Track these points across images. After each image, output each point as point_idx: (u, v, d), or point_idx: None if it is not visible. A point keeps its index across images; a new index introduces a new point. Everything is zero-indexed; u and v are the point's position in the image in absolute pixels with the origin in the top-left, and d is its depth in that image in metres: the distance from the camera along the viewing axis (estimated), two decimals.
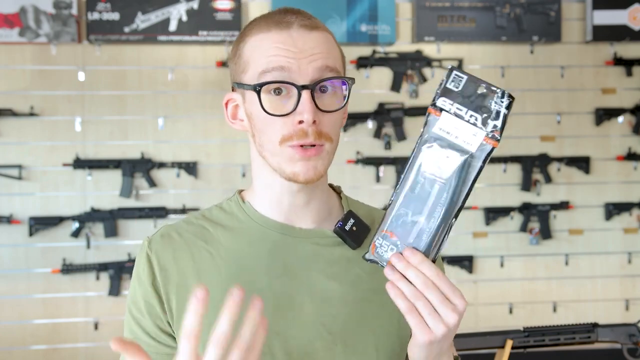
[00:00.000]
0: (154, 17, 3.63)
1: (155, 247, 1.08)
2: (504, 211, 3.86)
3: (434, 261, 0.93)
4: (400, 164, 3.76)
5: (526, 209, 3.87)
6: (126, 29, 3.61)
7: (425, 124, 0.93)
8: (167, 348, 1.05)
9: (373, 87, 3.82)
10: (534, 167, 3.87)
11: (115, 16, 3.59)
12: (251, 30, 1.05)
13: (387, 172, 3.79)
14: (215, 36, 3.65)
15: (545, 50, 3.94)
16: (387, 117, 3.76)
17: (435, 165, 0.92)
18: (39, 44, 3.59)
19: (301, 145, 1.00)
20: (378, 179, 3.78)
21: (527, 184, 3.87)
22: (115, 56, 3.66)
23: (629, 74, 3.95)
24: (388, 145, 3.78)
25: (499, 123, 0.90)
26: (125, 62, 3.67)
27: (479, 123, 0.91)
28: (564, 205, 3.90)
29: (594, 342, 2.08)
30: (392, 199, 0.94)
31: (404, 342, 1.11)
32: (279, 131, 1.01)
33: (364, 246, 1.10)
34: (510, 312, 3.88)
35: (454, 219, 0.92)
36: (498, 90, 0.90)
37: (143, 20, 3.62)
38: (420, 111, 3.80)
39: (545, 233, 3.87)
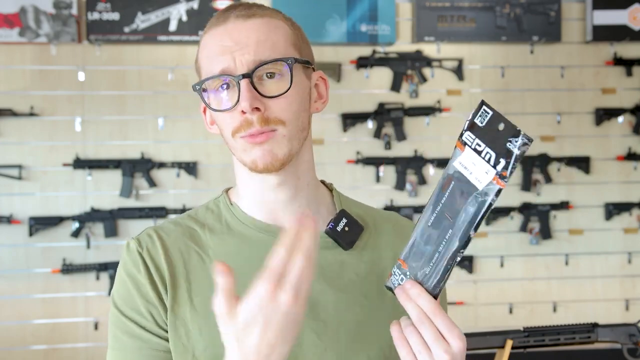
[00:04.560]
0: (154, 17, 3.63)
1: (146, 246, 1.05)
2: (504, 211, 3.86)
3: (436, 297, 0.92)
4: (400, 164, 3.76)
5: (526, 209, 3.87)
6: (126, 29, 3.61)
7: (451, 157, 0.93)
8: (168, 344, 1.02)
9: (373, 87, 3.82)
10: (534, 167, 3.87)
11: (115, 16, 3.59)
12: (202, 34, 1.06)
13: (387, 172, 3.79)
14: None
15: (545, 50, 3.94)
16: (387, 117, 3.76)
17: (448, 201, 0.92)
18: (39, 44, 3.59)
19: (250, 135, 0.99)
20: (378, 179, 3.78)
21: (527, 184, 3.87)
22: (115, 56, 3.66)
23: (629, 74, 3.95)
24: (388, 145, 3.78)
25: (509, 163, 0.88)
26: (125, 62, 3.67)
27: (492, 161, 0.89)
28: (564, 205, 3.89)
29: (594, 342, 2.08)
30: (414, 227, 0.95)
31: (393, 346, 1.11)
32: (229, 125, 1.00)
33: (357, 247, 1.08)
34: (510, 312, 3.88)
35: (459, 255, 0.91)
36: (515, 130, 0.88)
37: (143, 20, 3.62)
38: (420, 111, 3.80)
39: (545, 233, 3.87)
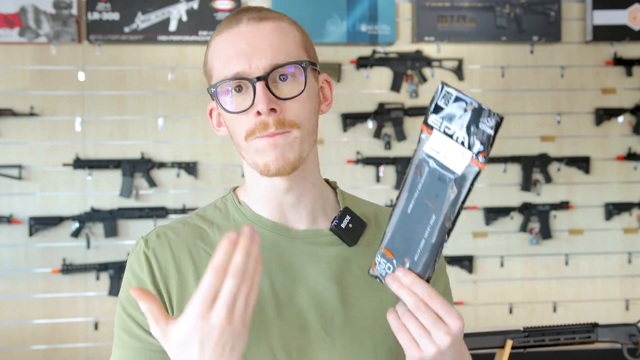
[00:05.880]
0: (154, 17, 3.63)
1: (153, 246, 1.06)
2: (504, 211, 3.86)
3: (428, 280, 0.93)
4: (400, 164, 3.76)
5: (526, 209, 3.87)
6: (126, 29, 3.61)
7: (418, 141, 0.92)
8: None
9: (373, 87, 3.82)
10: (534, 167, 3.87)
11: (115, 16, 3.59)
12: (212, 37, 1.07)
13: (387, 172, 3.79)
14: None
15: (545, 50, 3.94)
16: (387, 117, 3.76)
17: (425, 186, 0.91)
18: (39, 44, 3.59)
19: (268, 135, 1.00)
20: (378, 179, 3.78)
21: (527, 184, 3.87)
22: (115, 56, 3.66)
23: (629, 74, 3.95)
24: (388, 145, 3.78)
25: (485, 144, 0.87)
26: (125, 62, 3.67)
27: (466, 143, 0.88)
28: (564, 205, 3.89)
29: (594, 342, 2.07)
30: (390, 216, 0.95)
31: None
32: (243, 127, 1.01)
33: (361, 243, 1.10)
34: (510, 312, 3.88)
35: (446, 240, 0.91)
36: (485, 109, 0.87)
37: (143, 20, 3.62)
38: (421, 111, 3.79)
39: (545, 233, 3.87)
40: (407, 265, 0.93)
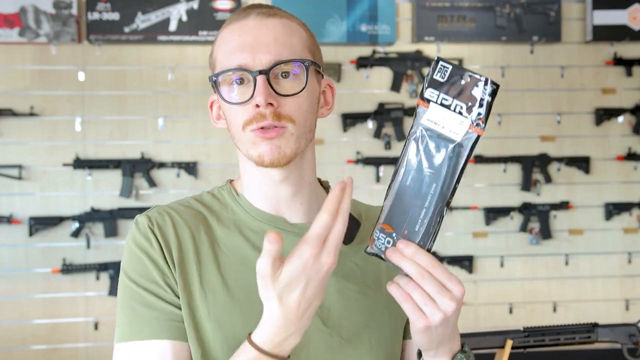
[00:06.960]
0: (154, 17, 3.63)
1: (156, 221, 1.06)
2: (504, 211, 3.86)
3: (429, 250, 0.94)
4: None
5: (526, 209, 3.87)
6: (126, 29, 3.60)
7: (415, 116, 0.94)
8: (182, 315, 1.03)
9: (373, 87, 3.82)
10: (534, 167, 3.87)
11: (115, 16, 3.59)
12: (220, 30, 1.10)
13: (387, 172, 3.79)
14: (215, 36, 3.64)
15: (545, 50, 3.94)
16: (387, 117, 3.77)
17: (424, 157, 0.93)
18: (39, 44, 3.59)
19: (262, 128, 1.01)
20: (378, 179, 3.78)
21: (527, 184, 3.87)
22: (115, 56, 3.66)
23: (629, 74, 3.95)
24: (388, 145, 3.78)
25: (483, 111, 0.91)
26: (125, 62, 3.67)
27: (464, 112, 0.91)
28: (564, 205, 3.90)
29: (594, 342, 2.07)
30: (388, 191, 0.96)
31: (395, 333, 1.13)
32: (241, 117, 1.03)
33: (355, 241, 1.10)
34: (510, 312, 3.88)
35: (445, 209, 0.93)
36: (482, 78, 0.91)
37: (143, 20, 3.62)
38: None
39: (545, 233, 3.87)
40: (407, 236, 0.94)
